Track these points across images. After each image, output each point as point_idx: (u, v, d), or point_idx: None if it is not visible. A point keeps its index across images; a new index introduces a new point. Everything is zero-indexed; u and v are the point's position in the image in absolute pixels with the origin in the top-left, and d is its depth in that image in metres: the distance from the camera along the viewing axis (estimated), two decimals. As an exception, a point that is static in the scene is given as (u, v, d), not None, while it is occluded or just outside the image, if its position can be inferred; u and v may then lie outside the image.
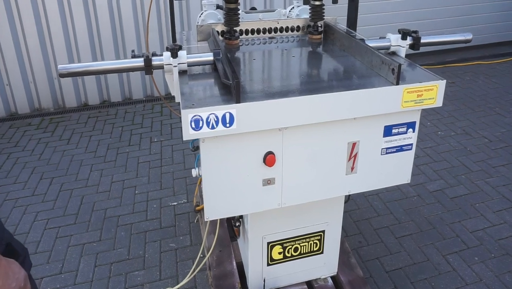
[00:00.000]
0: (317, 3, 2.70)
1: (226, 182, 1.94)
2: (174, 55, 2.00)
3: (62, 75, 1.92)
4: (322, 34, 2.78)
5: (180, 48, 2.01)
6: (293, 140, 1.96)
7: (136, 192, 3.97)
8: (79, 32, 5.34)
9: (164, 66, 2.05)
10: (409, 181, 2.34)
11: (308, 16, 3.14)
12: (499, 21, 8.00)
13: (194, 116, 1.70)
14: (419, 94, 2.04)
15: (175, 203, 3.82)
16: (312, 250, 2.64)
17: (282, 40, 2.76)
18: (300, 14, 3.17)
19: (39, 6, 5.11)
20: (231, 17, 2.56)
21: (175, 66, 2.03)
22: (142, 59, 2.02)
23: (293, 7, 3.25)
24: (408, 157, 2.25)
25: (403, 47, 2.46)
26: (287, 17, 3.18)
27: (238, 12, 2.58)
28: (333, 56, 2.44)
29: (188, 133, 1.72)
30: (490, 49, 8.10)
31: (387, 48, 2.47)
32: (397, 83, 1.97)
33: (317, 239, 2.62)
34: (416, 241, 3.51)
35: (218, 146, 1.84)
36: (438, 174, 4.41)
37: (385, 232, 3.63)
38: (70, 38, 5.35)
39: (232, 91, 1.78)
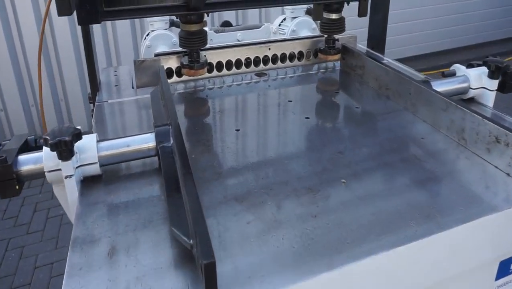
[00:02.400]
0: (333, 16, 1.63)
1: None
2: (64, 155, 0.88)
3: None
4: (340, 54, 1.74)
5: (77, 137, 0.90)
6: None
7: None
8: None
9: (46, 174, 0.94)
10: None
11: (310, 33, 2.09)
12: (487, 20, 7.16)
13: None
14: None
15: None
16: None
17: (276, 76, 1.69)
18: (298, 29, 2.10)
19: None
20: (193, 39, 1.47)
21: (69, 176, 0.91)
22: (-8, 163, 0.90)
23: (284, 19, 2.18)
24: (528, 299, 1.22)
25: (492, 90, 1.43)
26: (279, 33, 2.11)
27: (204, 31, 1.49)
28: (372, 110, 1.39)
29: None
30: (480, 50, 7.28)
31: (464, 91, 1.44)
32: (543, 193, 0.94)
33: None
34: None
35: None
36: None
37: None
38: None
39: (199, 271, 0.69)
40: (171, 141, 1.01)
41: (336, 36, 1.74)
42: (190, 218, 0.73)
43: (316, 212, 0.90)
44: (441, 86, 1.41)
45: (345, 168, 1.06)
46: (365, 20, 1.91)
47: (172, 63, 1.59)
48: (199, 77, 1.60)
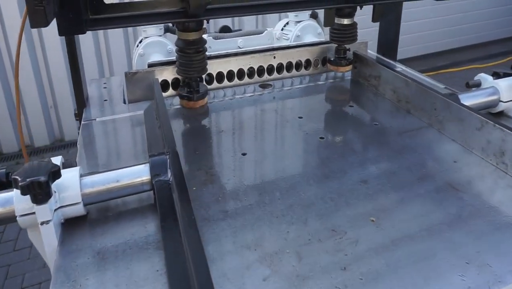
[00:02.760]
0: (345, 22, 1.49)
1: None
2: (39, 198, 0.73)
3: None
4: (352, 64, 1.60)
5: (54, 175, 0.74)
6: None
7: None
8: None
9: (18, 219, 0.78)
10: None
11: (315, 38, 1.95)
12: (489, 19, 7.06)
13: None
14: None
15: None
16: None
17: (282, 88, 1.54)
18: (302, 34, 1.95)
19: None
20: (192, 59, 1.31)
21: (45, 222, 0.76)
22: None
23: (287, 23, 2.03)
24: None
25: (524, 104, 1.30)
26: (282, 39, 1.96)
27: (204, 49, 1.33)
28: (393, 128, 1.24)
29: None
30: (481, 49, 7.17)
31: (493, 105, 1.30)
32: None
33: None
34: None
35: None
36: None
37: None
38: None
39: None
40: (169, 174, 0.85)
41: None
42: (194, 283, 0.58)
43: (345, 263, 0.74)
44: (469, 99, 1.26)
45: (371, 202, 0.91)
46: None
47: (168, 74, 1.43)
48: (198, 90, 1.45)
